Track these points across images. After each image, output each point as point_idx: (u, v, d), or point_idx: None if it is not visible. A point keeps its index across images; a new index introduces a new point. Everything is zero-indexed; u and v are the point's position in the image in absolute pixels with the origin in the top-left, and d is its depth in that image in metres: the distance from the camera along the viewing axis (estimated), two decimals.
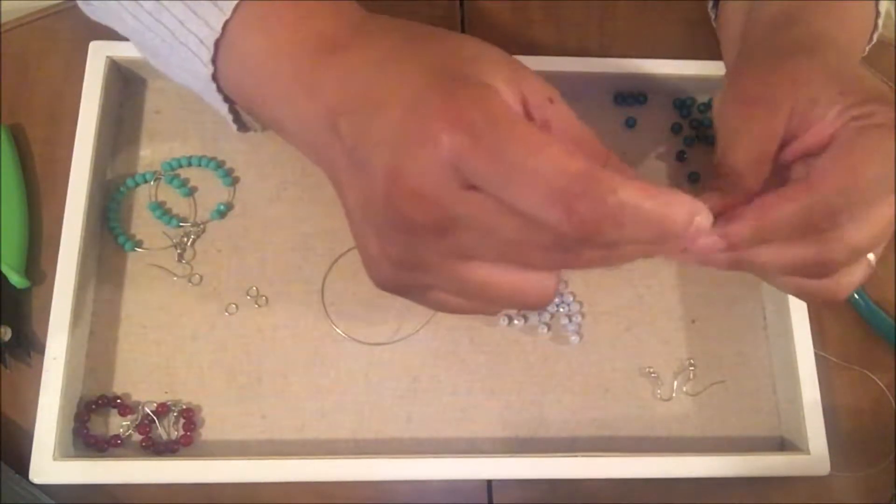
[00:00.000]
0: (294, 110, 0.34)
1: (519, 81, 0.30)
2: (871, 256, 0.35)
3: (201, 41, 0.34)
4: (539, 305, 0.31)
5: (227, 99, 0.37)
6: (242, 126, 0.40)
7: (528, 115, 0.30)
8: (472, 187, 0.27)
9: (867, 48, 0.43)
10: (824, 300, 0.36)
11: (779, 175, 0.35)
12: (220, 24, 0.34)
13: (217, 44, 0.34)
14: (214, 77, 0.35)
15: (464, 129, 0.26)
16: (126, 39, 0.41)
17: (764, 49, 0.38)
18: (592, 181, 0.25)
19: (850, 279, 0.35)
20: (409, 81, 0.29)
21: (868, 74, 0.35)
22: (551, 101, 0.31)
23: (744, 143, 0.35)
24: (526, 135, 0.26)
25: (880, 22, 0.42)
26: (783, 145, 0.35)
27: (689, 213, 0.26)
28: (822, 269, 0.34)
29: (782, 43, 0.38)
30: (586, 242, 0.27)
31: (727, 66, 0.46)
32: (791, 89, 0.34)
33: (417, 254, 0.30)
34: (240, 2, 0.34)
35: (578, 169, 0.25)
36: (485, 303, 0.32)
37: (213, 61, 0.35)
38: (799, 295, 0.38)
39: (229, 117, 0.38)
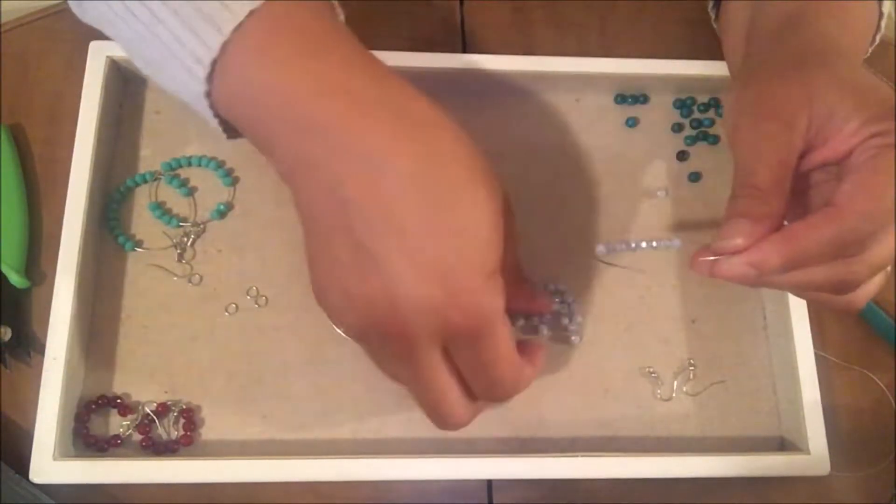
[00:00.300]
0: (285, 143, 0.33)
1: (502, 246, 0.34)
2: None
3: (198, 59, 0.33)
4: (446, 425, 0.37)
5: (216, 115, 0.36)
6: (233, 135, 0.39)
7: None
8: (444, 350, 0.34)
9: (870, 49, 0.43)
10: (842, 311, 0.37)
11: (796, 183, 0.36)
12: (218, 45, 0.32)
13: (213, 63, 0.34)
14: (208, 94, 0.35)
15: (469, 325, 0.32)
16: None
17: (773, 57, 0.38)
18: (514, 389, 0.37)
19: (867, 291, 0.36)
20: (429, 222, 0.31)
21: (879, 82, 0.35)
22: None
23: (765, 162, 0.35)
24: (505, 344, 0.34)
25: (883, 23, 0.42)
26: (800, 156, 0.35)
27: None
28: (845, 287, 0.35)
29: (791, 50, 0.38)
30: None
31: (730, 68, 0.46)
32: (806, 102, 0.34)
33: (373, 351, 0.36)
34: (239, 26, 0.32)
35: (516, 377, 0.36)
36: (418, 392, 0.37)
37: (209, 79, 0.34)
38: (815, 304, 0.38)
39: (219, 129, 0.38)
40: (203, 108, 0.36)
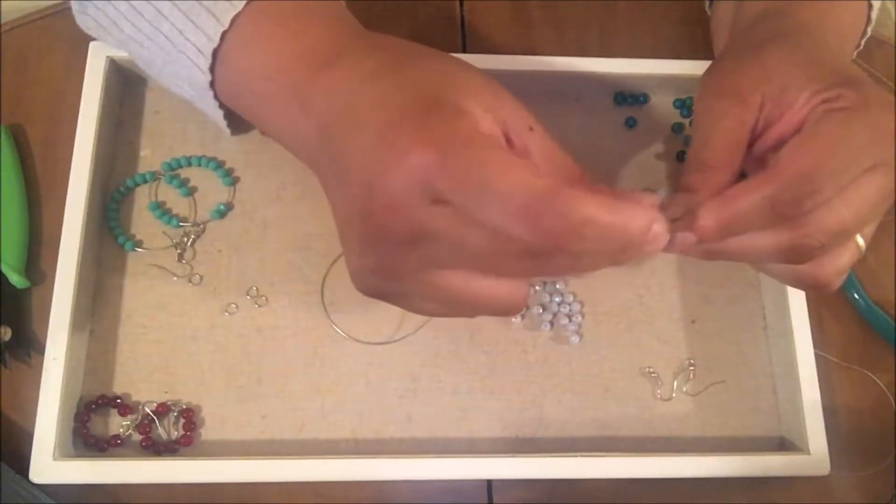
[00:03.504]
0: (288, 123, 0.34)
1: (500, 108, 0.31)
2: (860, 241, 0.35)
3: (199, 50, 0.34)
4: (510, 312, 0.32)
5: (222, 105, 0.37)
6: (237, 130, 0.40)
7: (509, 141, 0.31)
8: (442, 202, 0.28)
9: (862, 41, 0.43)
10: (814, 287, 0.36)
11: (757, 167, 0.35)
12: (218, 35, 0.34)
13: (215, 53, 0.34)
14: (212, 85, 0.35)
15: (433, 148, 0.27)
16: None
17: (741, 43, 0.39)
18: (556, 198, 0.26)
19: (836, 263, 0.35)
20: (388, 100, 0.30)
21: (841, 59, 0.35)
22: (531, 128, 0.32)
23: (714, 137, 0.35)
24: (493, 155, 0.27)
25: (874, 14, 0.42)
26: (758, 137, 0.35)
27: (646, 224, 0.27)
28: (799, 254, 0.34)
29: (758, 35, 0.38)
30: (552, 254, 0.28)
31: None
32: (761, 79, 0.35)
33: (392, 265, 0.31)
34: (237, 14, 0.34)
35: (543, 186, 0.26)
36: (459, 309, 0.33)
37: (211, 69, 0.35)
38: (793, 283, 0.38)
39: (223, 123, 0.38)
40: (208, 99, 0.36)
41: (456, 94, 0.30)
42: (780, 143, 0.35)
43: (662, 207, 0.33)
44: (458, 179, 0.27)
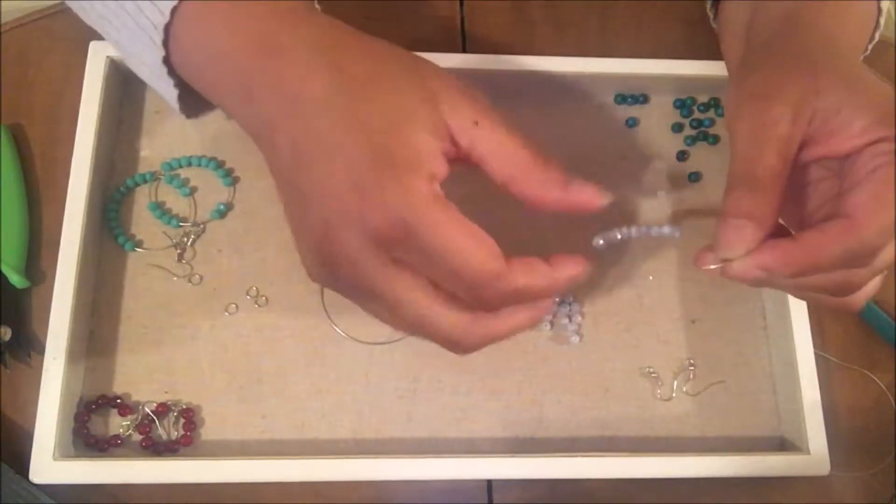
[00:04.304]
0: (236, 106, 0.35)
1: (443, 120, 0.32)
2: None
3: (154, 25, 0.34)
4: (454, 347, 0.35)
5: (178, 85, 0.37)
6: (190, 113, 0.40)
7: (455, 144, 0.33)
8: (395, 260, 0.32)
9: (869, 47, 0.43)
10: (843, 312, 0.37)
11: (792, 178, 0.35)
12: (168, 10, 0.34)
13: (167, 29, 0.34)
14: (166, 61, 0.35)
15: (392, 216, 0.30)
16: None
17: (778, 50, 0.38)
18: (494, 278, 0.31)
19: (866, 292, 0.36)
20: (341, 140, 0.31)
21: (881, 82, 0.35)
22: (476, 123, 0.33)
23: (766, 148, 0.34)
24: (444, 231, 0.30)
25: (882, 20, 0.42)
26: (799, 148, 0.35)
27: (572, 277, 0.34)
28: (845, 290, 0.35)
29: (794, 46, 0.37)
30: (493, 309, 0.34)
31: (729, 67, 0.46)
32: (813, 93, 0.34)
33: (344, 291, 0.34)
34: None
35: (483, 267, 0.31)
36: (406, 328, 0.35)
37: (165, 45, 0.35)
38: (814, 305, 0.38)
39: (176, 105, 0.38)
40: (163, 77, 0.36)
41: (407, 135, 0.31)
42: (819, 164, 0.35)
43: (722, 251, 0.34)
44: (413, 252, 0.31)
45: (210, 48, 0.34)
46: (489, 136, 0.33)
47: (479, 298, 0.32)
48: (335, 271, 0.33)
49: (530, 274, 0.32)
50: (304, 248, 0.34)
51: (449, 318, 0.33)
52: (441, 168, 0.32)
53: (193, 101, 0.38)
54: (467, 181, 0.34)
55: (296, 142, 0.32)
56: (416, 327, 0.34)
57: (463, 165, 0.34)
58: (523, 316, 0.35)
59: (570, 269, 0.34)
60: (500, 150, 0.33)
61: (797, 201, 0.37)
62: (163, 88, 0.38)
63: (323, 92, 0.32)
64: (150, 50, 0.36)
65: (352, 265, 0.32)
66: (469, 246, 0.31)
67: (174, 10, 0.34)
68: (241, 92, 0.34)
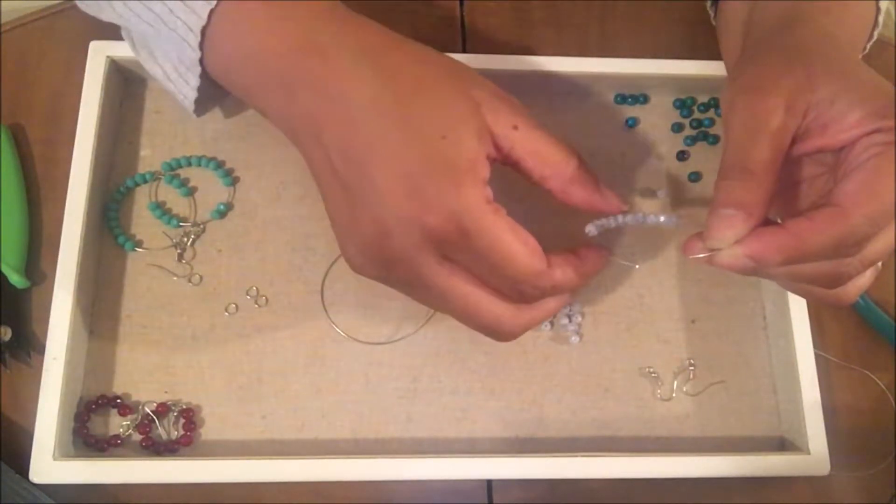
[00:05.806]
0: (276, 104, 0.35)
1: (487, 125, 0.34)
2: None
3: (189, 28, 0.35)
4: (497, 335, 0.38)
5: (200, 87, 0.38)
6: (201, 112, 0.41)
7: (497, 147, 0.35)
8: (445, 257, 0.34)
9: (868, 45, 0.43)
10: (835, 305, 0.37)
11: (787, 173, 0.35)
12: (206, 12, 0.34)
13: (203, 31, 0.35)
14: (201, 62, 0.36)
15: (449, 219, 0.33)
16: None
17: (774, 45, 0.38)
18: (537, 276, 0.35)
19: (858, 285, 0.36)
20: (396, 147, 0.33)
21: (879, 77, 0.35)
22: (515, 127, 0.35)
23: (759, 140, 0.34)
24: (496, 235, 0.33)
25: (881, 19, 0.42)
26: (793, 142, 0.35)
27: (598, 269, 0.39)
28: (837, 281, 0.35)
29: (791, 41, 0.37)
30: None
31: (727, 66, 0.46)
32: (808, 86, 0.34)
33: (388, 280, 0.36)
34: None
35: (529, 268, 0.35)
36: (452, 312, 0.37)
37: (201, 47, 0.35)
38: (811, 300, 0.38)
39: (192, 106, 0.39)
40: (188, 77, 0.37)
41: (458, 142, 0.33)
42: (813, 158, 0.35)
43: (711, 239, 0.34)
44: (465, 251, 0.34)
45: (247, 49, 0.35)
46: (527, 139, 0.35)
47: (522, 293, 0.36)
48: (389, 267, 0.35)
49: (566, 269, 0.36)
50: (350, 243, 0.35)
51: (496, 309, 0.36)
52: (487, 172, 0.34)
53: (204, 100, 0.39)
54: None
55: (344, 142, 0.33)
56: (465, 317, 0.37)
57: (500, 165, 0.36)
58: (555, 304, 0.38)
59: (596, 262, 0.39)
60: (536, 152, 0.36)
61: (792, 198, 0.37)
62: (178, 88, 0.38)
63: (372, 95, 0.33)
64: (180, 50, 0.36)
65: (408, 263, 0.34)
66: (518, 249, 0.34)
67: (211, 13, 0.34)
68: (282, 91, 0.34)
